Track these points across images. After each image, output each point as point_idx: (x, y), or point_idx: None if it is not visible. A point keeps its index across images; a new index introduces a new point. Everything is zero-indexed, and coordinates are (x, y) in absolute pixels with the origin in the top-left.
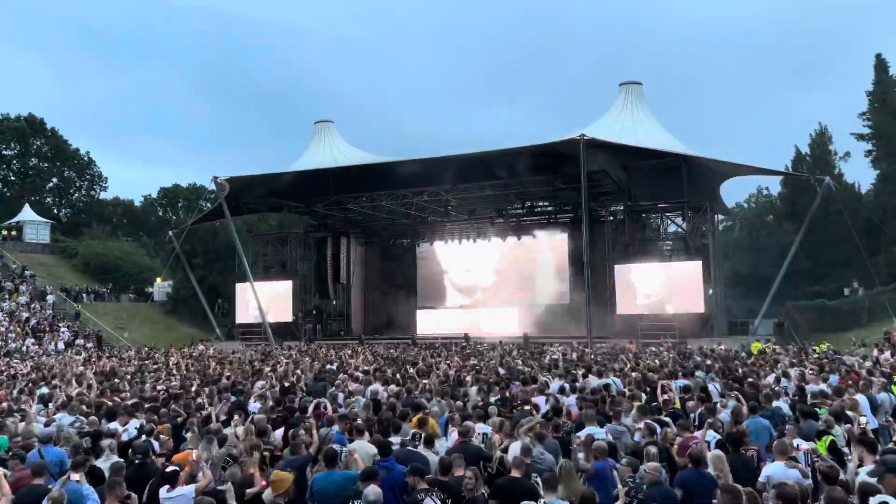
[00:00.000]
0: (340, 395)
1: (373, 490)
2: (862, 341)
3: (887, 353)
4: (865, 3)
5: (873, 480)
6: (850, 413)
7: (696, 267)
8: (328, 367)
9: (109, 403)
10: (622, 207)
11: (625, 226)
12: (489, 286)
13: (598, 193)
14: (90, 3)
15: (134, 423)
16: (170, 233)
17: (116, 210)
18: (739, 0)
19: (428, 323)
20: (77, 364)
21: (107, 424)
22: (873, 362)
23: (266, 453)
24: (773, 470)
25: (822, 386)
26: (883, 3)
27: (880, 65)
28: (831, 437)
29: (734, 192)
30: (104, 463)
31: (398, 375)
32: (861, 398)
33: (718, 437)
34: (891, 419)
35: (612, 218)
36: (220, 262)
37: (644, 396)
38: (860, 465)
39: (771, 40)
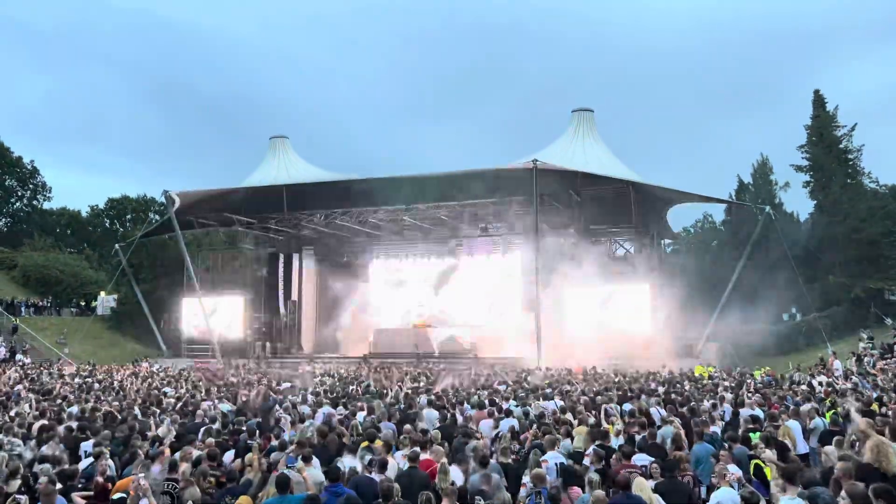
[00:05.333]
0: (287, 419)
1: None
2: (797, 366)
3: (821, 378)
4: (805, 39)
5: None
6: (781, 439)
7: (643, 291)
8: (279, 386)
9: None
10: (573, 231)
11: (575, 249)
12: (443, 306)
13: (550, 217)
14: (23, 1)
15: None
16: (116, 246)
17: (60, 220)
18: (687, 34)
19: (381, 342)
20: (11, 381)
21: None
22: (808, 387)
23: (212, 479)
24: (722, 496)
25: (755, 410)
26: (821, 40)
27: (818, 100)
28: (755, 462)
29: (681, 218)
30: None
31: (347, 396)
32: (793, 423)
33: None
34: (818, 444)
35: (563, 241)
36: (167, 277)
37: (592, 420)
38: (784, 493)
39: (717, 73)
